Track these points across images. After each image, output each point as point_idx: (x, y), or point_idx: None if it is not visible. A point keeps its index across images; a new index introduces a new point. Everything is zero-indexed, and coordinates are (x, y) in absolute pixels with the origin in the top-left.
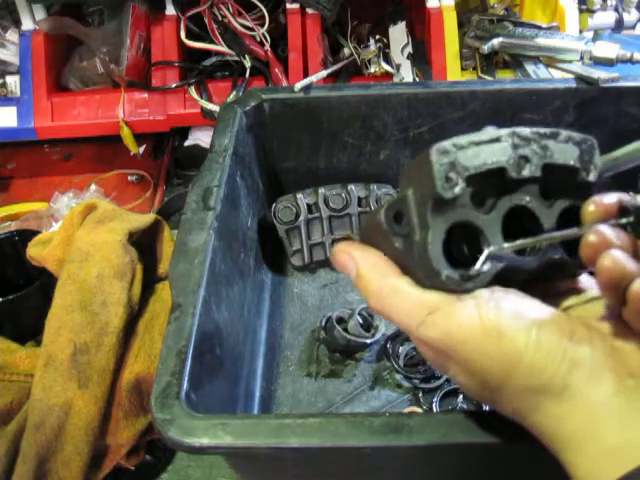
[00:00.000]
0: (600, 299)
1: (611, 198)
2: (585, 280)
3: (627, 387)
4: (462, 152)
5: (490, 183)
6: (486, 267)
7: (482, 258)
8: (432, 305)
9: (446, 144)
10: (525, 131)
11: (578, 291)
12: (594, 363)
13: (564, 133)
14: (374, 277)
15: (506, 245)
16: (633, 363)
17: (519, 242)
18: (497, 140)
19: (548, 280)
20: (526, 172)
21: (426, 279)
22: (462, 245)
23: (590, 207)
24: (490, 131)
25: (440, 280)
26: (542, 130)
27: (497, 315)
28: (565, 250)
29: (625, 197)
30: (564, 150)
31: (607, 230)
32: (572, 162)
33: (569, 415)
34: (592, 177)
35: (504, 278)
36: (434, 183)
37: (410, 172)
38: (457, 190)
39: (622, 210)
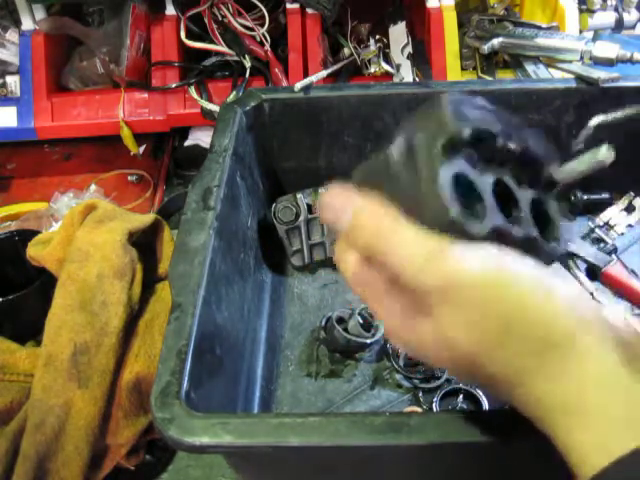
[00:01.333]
0: None
1: None
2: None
3: (634, 357)
4: (465, 106)
5: (479, 150)
6: (488, 218)
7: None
8: (434, 248)
9: (453, 95)
10: (505, 114)
11: None
12: (604, 329)
13: (531, 129)
14: (374, 213)
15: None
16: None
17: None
18: (488, 110)
19: None
20: (512, 145)
21: (433, 219)
22: None
23: None
24: (480, 100)
25: (448, 219)
26: (515, 119)
27: (510, 265)
28: (540, 233)
29: None
30: (534, 142)
31: None
32: (540, 154)
33: (574, 375)
34: (555, 175)
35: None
36: (447, 122)
37: (415, 120)
38: (466, 132)
39: None
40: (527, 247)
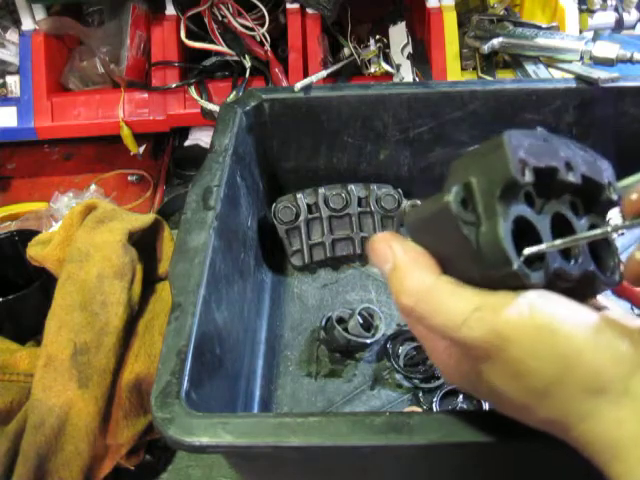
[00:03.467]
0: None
1: None
2: (601, 299)
3: None
4: (526, 143)
5: (538, 185)
6: (548, 263)
7: (559, 242)
8: (478, 302)
9: (514, 132)
10: (566, 140)
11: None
12: None
13: (591, 151)
14: (413, 272)
15: (571, 238)
16: None
17: (586, 234)
18: (549, 141)
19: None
20: (572, 178)
21: (491, 270)
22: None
23: (633, 195)
24: (543, 132)
25: (509, 270)
26: (577, 143)
27: (551, 312)
28: (595, 264)
29: None
30: (593, 166)
31: None
32: (601, 179)
33: (628, 420)
34: (615, 196)
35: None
36: (508, 167)
37: (470, 162)
38: (528, 177)
39: None
40: (583, 281)
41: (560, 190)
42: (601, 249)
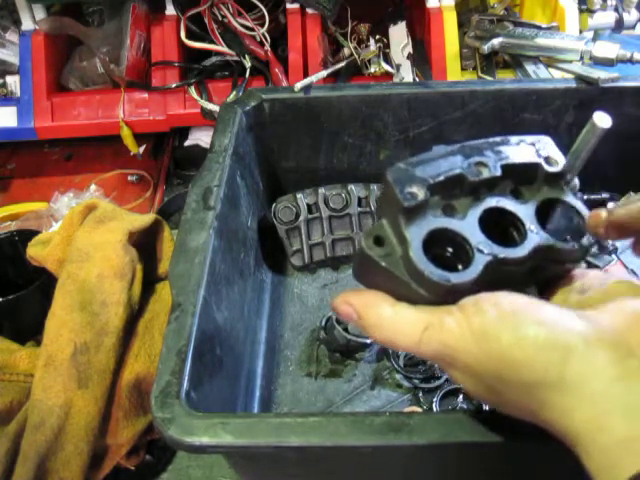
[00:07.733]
0: (592, 288)
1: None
2: (579, 272)
3: (630, 370)
4: (416, 168)
5: (456, 193)
6: (475, 260)
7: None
8: (425, 321)
9: (399, 164)
10: (474, 143)
11: (572, 281)
12: (588, 348)
13: (514, 138)
14: (371, 312)
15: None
16: (633, 341)
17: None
18: (448, 154)
19: (545, 276)
20: (485, 174)
21: (418, 286)
22: (447, 256)
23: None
24: (439, 149)
25: (428, 280)
26: (491, 139)
27: (482, 319)
28: (553, 236)
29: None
30: (518, 151)
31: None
32: (530, 159)
33: (574, 408)
34: (556, 168)
35: (499, 279)
36: (397, 198)
37: (380, 206)
38: (419, 198)
39: None
40: (546, 256)
41: (490, 187)
42: (560, 219)
